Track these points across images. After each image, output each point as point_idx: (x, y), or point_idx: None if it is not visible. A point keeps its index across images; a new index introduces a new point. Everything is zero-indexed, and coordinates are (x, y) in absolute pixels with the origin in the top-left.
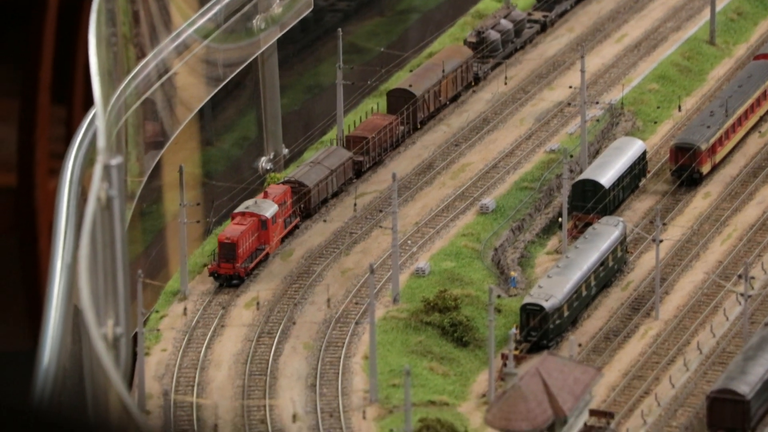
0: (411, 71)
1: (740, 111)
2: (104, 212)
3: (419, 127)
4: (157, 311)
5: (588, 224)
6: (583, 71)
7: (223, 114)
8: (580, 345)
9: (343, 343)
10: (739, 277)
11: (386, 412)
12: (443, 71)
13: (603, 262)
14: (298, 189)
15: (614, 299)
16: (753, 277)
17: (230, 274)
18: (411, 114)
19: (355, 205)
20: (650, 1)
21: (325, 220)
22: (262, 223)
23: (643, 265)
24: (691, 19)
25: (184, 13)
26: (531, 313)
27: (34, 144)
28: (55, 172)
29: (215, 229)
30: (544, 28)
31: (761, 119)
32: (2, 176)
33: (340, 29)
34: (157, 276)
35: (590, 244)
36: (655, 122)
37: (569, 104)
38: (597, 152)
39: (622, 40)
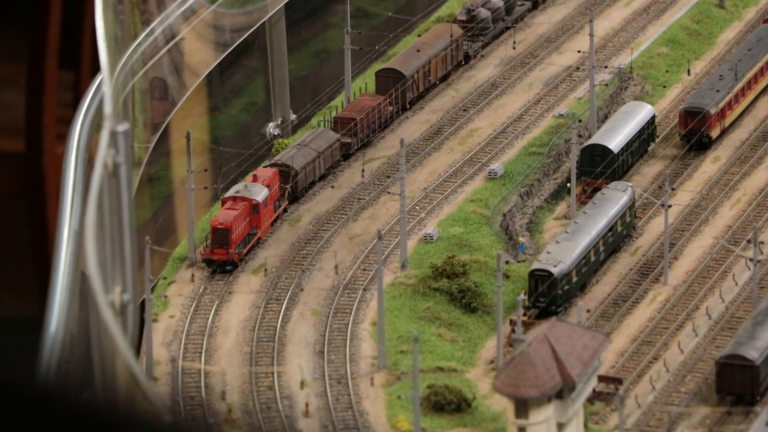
0: (419, 36)
1: (750, 75)
2: (111, 179)
3: (408, 107)
4: (164, 278)
5: (596, 189)
6: (591, 35)
7: (230, 80)
8: (588, 311)
9: (351, 309)
10: (748, 242)
11: (394, 378)
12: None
13: (612, 228)
14: (285, 172)
15: (623, 265)
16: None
17: (224, 260)
18: (400, 94)
19: (362, 170)
20: None
21: (332, 186)
22: (254, 207)
23: (652, 230)
24: None
25: None
26: (539, 279)
27: (42, 109)
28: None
29: (221, 195)
30: (535, 5)
31: None
32: (10, 141)
33: None
34: (164, 242)
35: (599, 210)
36: (664, 86)
37: (578, 69)
38: (606, 117)
39: (630, 3)
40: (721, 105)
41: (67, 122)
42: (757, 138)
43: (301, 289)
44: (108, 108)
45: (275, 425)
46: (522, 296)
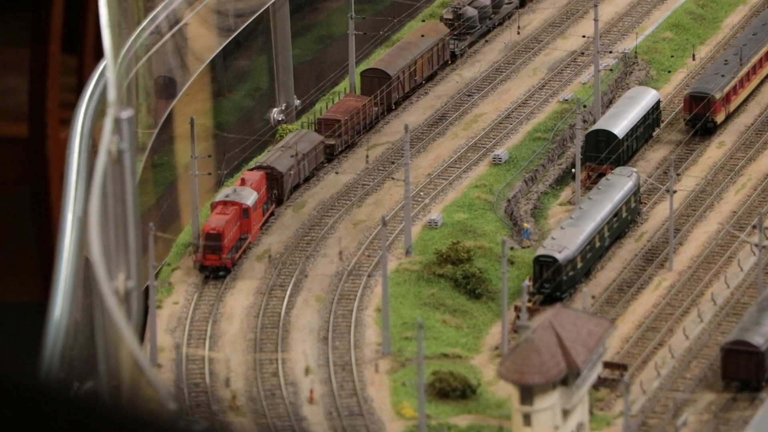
0: (423, 21)
1: (755, 59)
2: (115, 165)
3: (393, 108)
4: (168, 264)
5: (601, 175)
6: (596, 20)
7: (234, 65)
8: (593, 297)
9: (356, 295)
10: (754, 227)
11: (399, 365)
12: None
13: (616, 213)
14: (270, 175)
15: (628, 250)
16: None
17: (216, 265)
18: (386, 95)
19: (367, 156)
20: None
21: (337, 172)
22: (244, 212)
23: (657, 215)
24: None
25: None
26: (544, 265)
27: (46, 93)
28: (66, 122)
29: (226, 181)
30: (523, 3)
31: None
32: (14, 126)
33: None
34: (168, 228)
35: (603, 195)
36: (669, 71)
37: (582, 53)
38: (610, 102)
39: None
40: (726, 90)
41: (71, 107)
42: (762, 123)
43: (306, 276)
44: (112, 94)
45: (279, 412)
46: (527, 282)
